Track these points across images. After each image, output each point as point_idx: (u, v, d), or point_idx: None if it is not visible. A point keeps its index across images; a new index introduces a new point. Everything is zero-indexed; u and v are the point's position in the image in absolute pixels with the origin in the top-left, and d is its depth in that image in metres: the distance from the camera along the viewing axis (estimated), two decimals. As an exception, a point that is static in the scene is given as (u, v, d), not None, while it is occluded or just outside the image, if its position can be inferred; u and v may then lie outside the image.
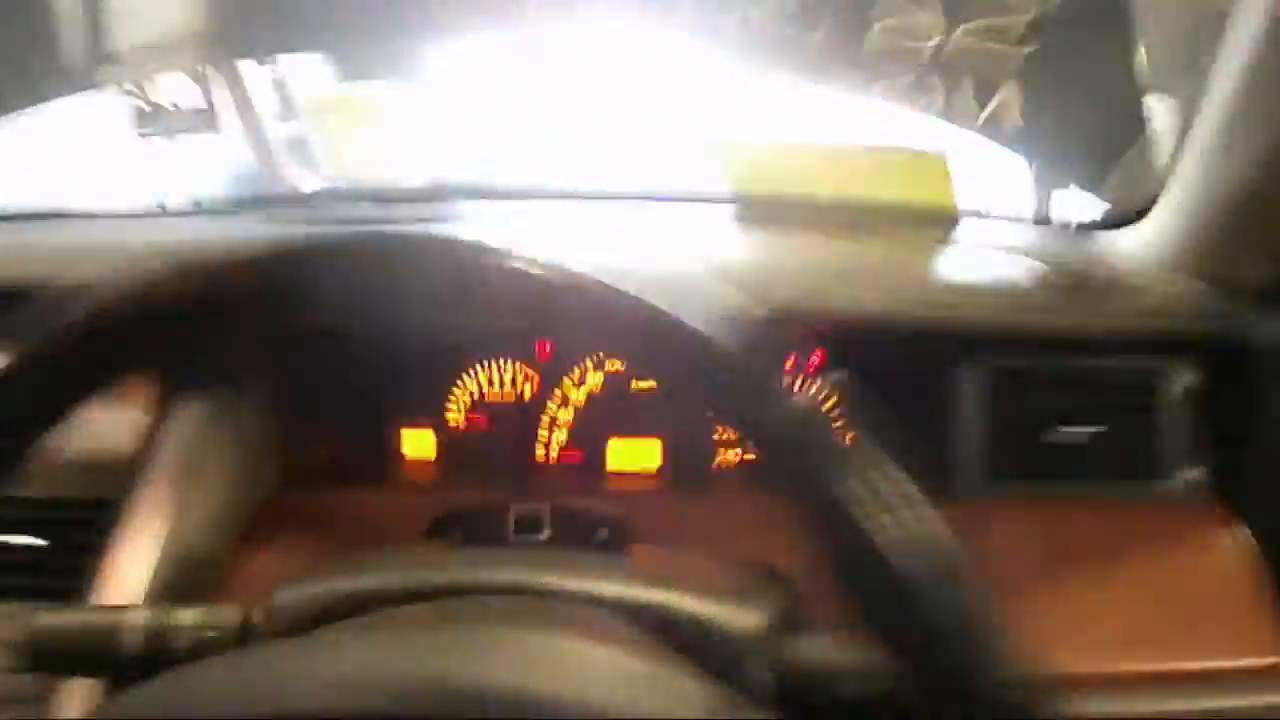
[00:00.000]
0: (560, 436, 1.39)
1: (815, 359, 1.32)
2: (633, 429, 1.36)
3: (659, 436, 1.35)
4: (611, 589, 0.56)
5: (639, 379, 1.37)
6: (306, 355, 1.29)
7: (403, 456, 1.43)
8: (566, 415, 1.39)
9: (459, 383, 1.42)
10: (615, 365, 1.37)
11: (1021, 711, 0.37)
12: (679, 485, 1.29)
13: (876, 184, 1.45)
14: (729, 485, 1.31)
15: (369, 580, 0.60)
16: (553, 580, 0.57)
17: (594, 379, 1.38)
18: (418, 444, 1.43)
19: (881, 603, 0.39)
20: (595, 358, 1.37)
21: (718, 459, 1.35)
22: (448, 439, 1.42)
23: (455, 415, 1.42)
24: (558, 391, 1.39)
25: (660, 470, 1.34)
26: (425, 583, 0.58)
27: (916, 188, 1.45)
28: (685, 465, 1.34)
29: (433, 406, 1.42)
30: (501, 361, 1.41)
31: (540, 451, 1.40)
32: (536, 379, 1.40)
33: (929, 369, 1.14)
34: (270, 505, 1.23)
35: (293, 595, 0.59)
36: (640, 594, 0.56)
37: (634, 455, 1.36)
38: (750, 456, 1.34)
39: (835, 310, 1.02)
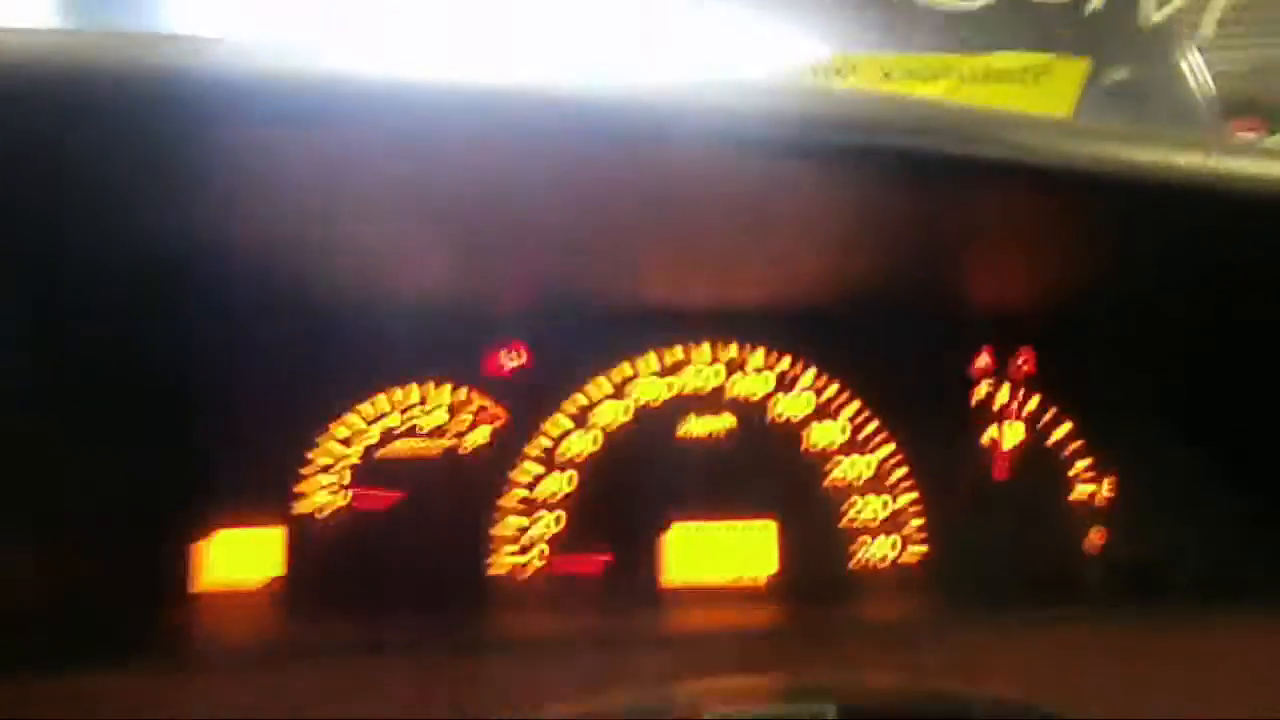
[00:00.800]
0: (550, 524, 0.71)
1: (1025, 361, 0.74)
2: (712, 506, 0.71)
3: (771, 515, 0.71)
4: None
5: (703, 409, 0.73)
6: None
7: (187, 597, 0.68)
8: (560, 484, 0.72)
9: (335, 424, 0.72)
10: (658, 386, 0.73)
11: None
12: (807, 602, 0.65)
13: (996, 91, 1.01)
14: (881, 599, 0.68)
15: None
16: None
17: (613, 411, 0.73)
18: (241, 555, 0.70)
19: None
20: (614, 373, 0.73)
21: (856, 556, 0.72)
22: (306, 537, 0.70)
23: (326, 493, 0.71)
24: (541, 439, 0.72)
25: (777, 578, 0.69)
26: None
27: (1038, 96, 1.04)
28: (817, 566, 0.70)
29: (275, 475, 0.71)
30: (430, 386, 0.73)
31: (509, 554, 0.71)
32: (503, 416, 0.73)
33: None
34: None
35: None
36: None
37: (721, 553, 0.70)
38: (914, 554, 0.72)
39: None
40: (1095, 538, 0.73)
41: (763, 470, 0.73)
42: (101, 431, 0.66)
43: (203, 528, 0.70)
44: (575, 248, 0.61)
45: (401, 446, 0.72)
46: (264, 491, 0.71)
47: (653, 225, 0.58)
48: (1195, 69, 1.15)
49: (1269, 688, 0.55)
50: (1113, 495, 0.73)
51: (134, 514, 0.68)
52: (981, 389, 0.74)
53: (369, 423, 0.72)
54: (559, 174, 0.48)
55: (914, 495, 0.73)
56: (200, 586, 0.70)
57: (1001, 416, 0.74)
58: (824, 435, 0.74)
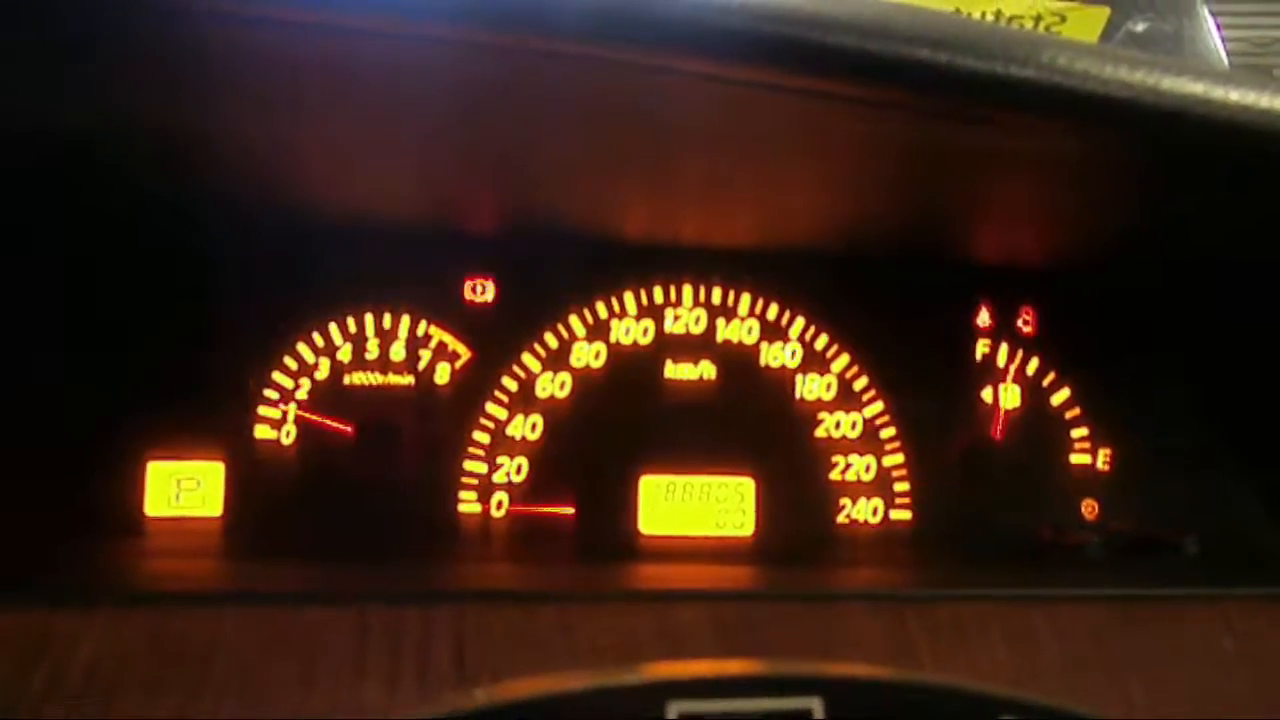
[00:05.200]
0: (512, 471, 0.66)
1: (1026, 319, 0.70)
2: (686, 457, 0.66)
3: (749, 473, 0.66)
4: None
5: (679, 356, 0.68)
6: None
7: (118, 532, 0.63)
8: (530, 425, 0.67)
9: (288, 358, 0.66)
10: (635, 328, 0.68)
11: None
12: (785, 565, 0.61)
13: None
14: (864, 565, 0.64)
15: None
16: None
17: (587, 353, 0.68)
18: (178, 490, 0.65)
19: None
20: (590, 311, 0.68)
21: (844, 512, 0.68)
22: (252, 473, 0.65)
23: (273, 426, 0.66)
24: (510, 380, 0.67)
25: (756, 537, 0.65)
26: None
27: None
28: (798, 526, 0.66)
29: (215, 405, 0.65)
30: (387, 316, 0.67)
31: (470, 499, 0.66)
32: (465, 353, 0.67)
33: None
34: None
35: None
36: None
37: (695, 511, 0.66)
38: (897, 519, 0.68)
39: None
40: (1088, 510, 0.69)
41: (743, 425, 0.68)
42: (30, 358, 0.61)
43: (135, 459, 0.65)
44: (547, 169, 0.55)
45: (353, 381, 0.67)
46: (202, 422, 0.65)
47: (631, 148, 0.52)
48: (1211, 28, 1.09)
49: (1272, 670, 0.51)
50: (1109, 468, 0.69)
51: (60, 444, 0.62)
52: (979, 347, 0.70)
53: (318, 354, 0.67)
54: (526, 85, 0.42)
55: (900, 458, 0.69)
56: (134, 522, 0.65)
57: (998, 378, 0.69)
58: (810, 389, 0.69)
